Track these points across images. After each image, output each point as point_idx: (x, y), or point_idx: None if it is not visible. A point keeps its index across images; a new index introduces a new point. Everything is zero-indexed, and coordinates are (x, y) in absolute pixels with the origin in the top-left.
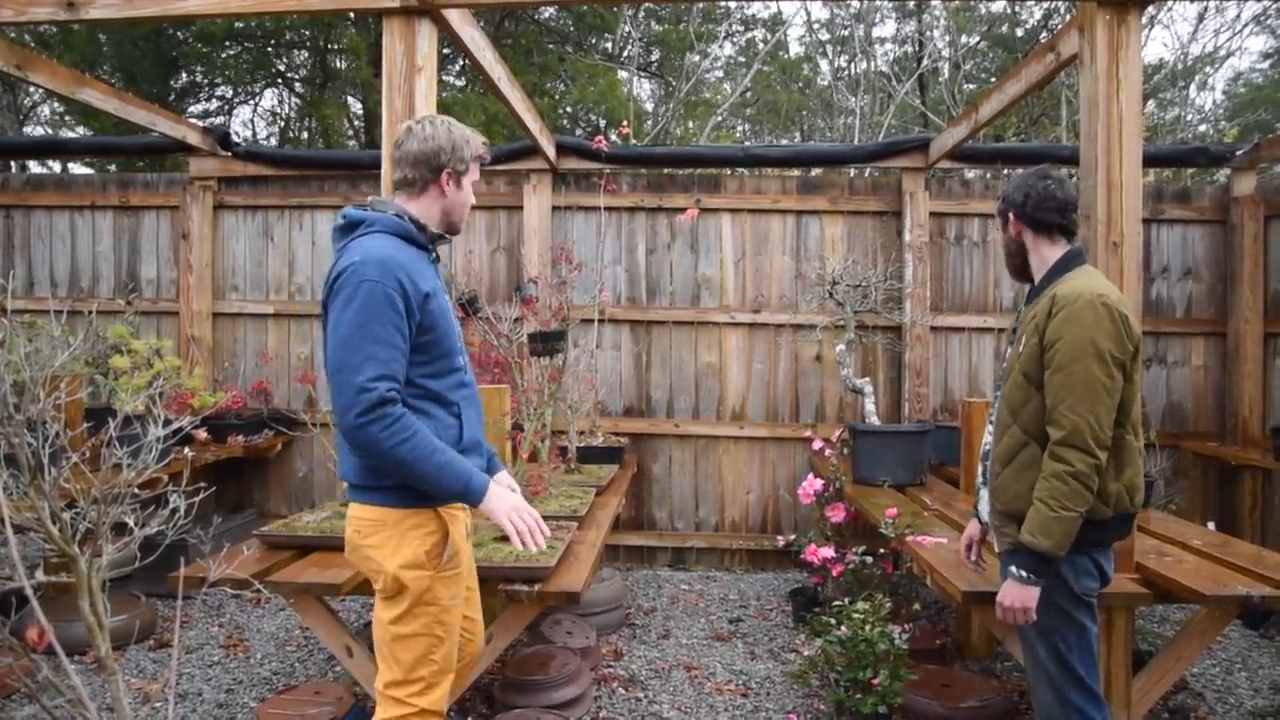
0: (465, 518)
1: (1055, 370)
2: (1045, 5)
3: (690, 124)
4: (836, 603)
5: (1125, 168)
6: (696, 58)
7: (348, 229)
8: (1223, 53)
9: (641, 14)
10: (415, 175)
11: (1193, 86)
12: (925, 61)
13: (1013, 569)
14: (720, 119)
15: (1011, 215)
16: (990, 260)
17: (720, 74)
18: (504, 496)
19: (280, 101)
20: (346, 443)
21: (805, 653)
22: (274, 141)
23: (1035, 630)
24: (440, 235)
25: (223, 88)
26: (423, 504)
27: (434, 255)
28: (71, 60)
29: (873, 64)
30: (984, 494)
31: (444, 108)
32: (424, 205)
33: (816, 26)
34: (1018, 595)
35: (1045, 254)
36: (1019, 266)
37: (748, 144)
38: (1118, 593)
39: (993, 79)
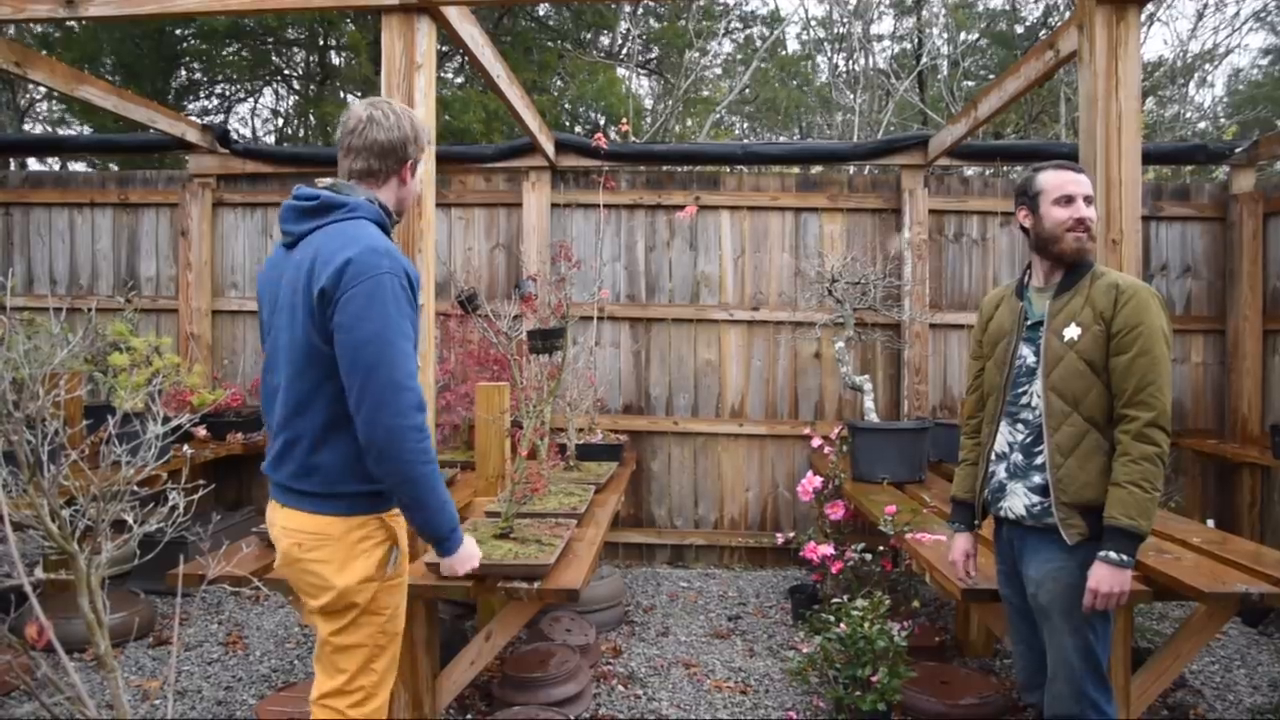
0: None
1: (1139, 354)
2: (1045, 2)
3: (689, 121)
4: (835, 600)
5: (1124, 165)
6: (695, 55)
7: (319, 211)
8: (1222, 50)
9: (640, 11)
10: (380, 165)
11: (1192, 84)
12: (924, 58)
13: (1111, 554)
14: (719, 116)
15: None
16: (989, 258)
17: (719, 71)
18: (471, 555)
19: (279, 99)
20: (375, 440)
21: (804, 650)
22: (273, 139)
23: (1071, 624)
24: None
25: (222, 85)
26: (369, 512)
27: None
28: (71, 58)
29: (871, 61)
30: (1014, 488)
31: (443, 105)
32: (385, 195)
33: (814, 23)
34: (1117, 580)
35: None
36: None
37: (747, 141)
38: None
39: (992, 76)
